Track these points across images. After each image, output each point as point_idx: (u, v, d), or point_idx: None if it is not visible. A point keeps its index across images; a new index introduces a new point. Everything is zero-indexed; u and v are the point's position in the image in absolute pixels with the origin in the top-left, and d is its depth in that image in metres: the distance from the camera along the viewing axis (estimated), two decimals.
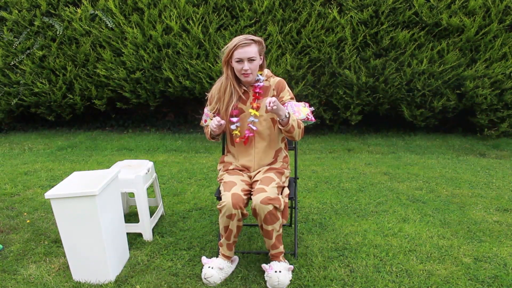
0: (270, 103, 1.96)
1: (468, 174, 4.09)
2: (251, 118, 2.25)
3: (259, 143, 2.30)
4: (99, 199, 2.09)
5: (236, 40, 2.14)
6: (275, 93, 2.28)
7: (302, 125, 2.21)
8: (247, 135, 2.26)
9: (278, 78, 2.32)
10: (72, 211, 2.09)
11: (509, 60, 5.14)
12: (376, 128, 5.95)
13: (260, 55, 2.21)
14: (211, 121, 2.18)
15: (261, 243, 2.61)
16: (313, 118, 2.27)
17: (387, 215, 3.04)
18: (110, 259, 2.20)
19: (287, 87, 2.30)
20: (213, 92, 2.34)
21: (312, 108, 2.29)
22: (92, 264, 2.18)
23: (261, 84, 2.27)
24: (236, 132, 2.28)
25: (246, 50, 2.12)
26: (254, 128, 2.26)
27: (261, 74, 2.30)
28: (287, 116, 2.09)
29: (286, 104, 2.24)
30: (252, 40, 2.15)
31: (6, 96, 5.65)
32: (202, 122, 2.39)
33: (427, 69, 5.14)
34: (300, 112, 2.23)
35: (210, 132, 2.29)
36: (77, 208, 2.08)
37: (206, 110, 2.37)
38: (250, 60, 2.15)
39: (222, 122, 2.15)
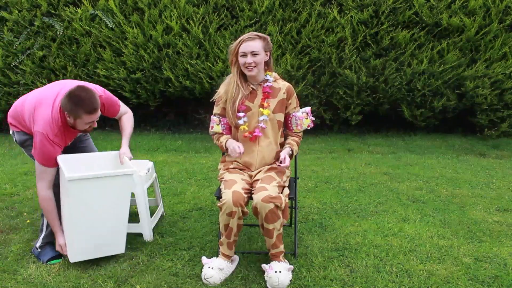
0: (282, 164, 2.22)
1: (468, 174, 4.09)
2: (263, 117, 2.31)
3: (263, 141, 2.34)
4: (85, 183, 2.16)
5: (242, 36, 2.27)
6: (285, 97, 2.38)
7: (300, 140, 2.48)
8: (256, 133, 2.31)
9: (287, 83, 2.42)
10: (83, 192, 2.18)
11: (509, 60, 5.15)
12: (376, 128, 5.95)
13: (265, 52, 2.28)
14: (230, 150, 2.27)
15: (261, 243, 2.61)
16: (312, 125, 2.47)
17: (387, 215, 3.04)
18: (78, 242, 2.27)
19: (295, 94, 2.44)
20: (220, 90, 2.40)
21: (313, 118, 2.48)
22: (68, 244, 2.33)
23: (270, 84, 2.35)
24: (244, 126, 2.32)
25: (249, 44, 2.23)
26: (264, 126, 2.32)
27: (269, 75, 2.37)
28: (291, 153, 2.37)
29: (291, 116, 2.40)
30: (257, 35, 2.25)
31: (6, 96, 5.65)
32: (210, 130, 2.46)
33: (427, 69, 5.14)
34: (302, 124, 2.43)
35: (226, 148, 2.35)
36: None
37: (213, 116, 2.44)
38: (253, 54, 2.22)
39: (241, 150, 2.24)
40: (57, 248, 2.40)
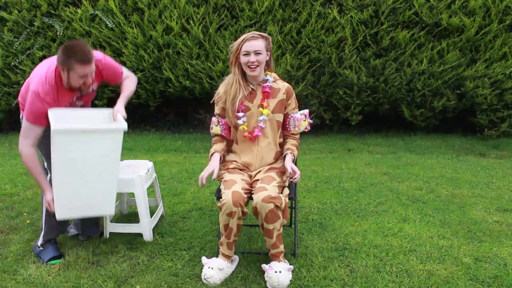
0: (296, 176, 2.22)
1: (468, 174, 4.09)
2: (263, 117, 2.31)
3: (262, 141, 2.35)
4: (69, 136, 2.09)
5: (244, 35, 2.26)
6: (285, 97, 2.38)
7: (298, 143, 2.47)
8: (256, 133, 2.32)
9: (286, 84, 2.43)
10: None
11: (509, 60, 5.14)
12: (376, 128, 5.95)
13: (267, 51, 2.28)
14: (207, 167, 2.26)
15: (261, 243, 2.61)
16: (309, 128, 2.48)
17: (387, 215, 3.04)
18: (65, 198, 2.21)
19: (294, 95, 2.44)
20: (220, 90, 2.40)
21: (311, 121, 2.49)
22: (56, 201, 2.24)
23: (270, 84, 2.35)
24: (244, 126, 2.32)
25: (252, 43, 2.22)
26: (264, 126, 2.32)
27: (269, 75, 2.38)
28: (293, 158, 2.36)
29: (289, 116, 2.40)
30: (260, 35, 2.26)
31: (6, 96, 5.65)
32: (210, 131, 2.47)
33: (427, 69, 5.14)
34: (300, 126, 2.43)
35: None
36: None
37: (213, 117, 2.45)
38: (257, 53, 2.22)
39: (211, 178, 2.24)
40: (45, 204, 2.35)
